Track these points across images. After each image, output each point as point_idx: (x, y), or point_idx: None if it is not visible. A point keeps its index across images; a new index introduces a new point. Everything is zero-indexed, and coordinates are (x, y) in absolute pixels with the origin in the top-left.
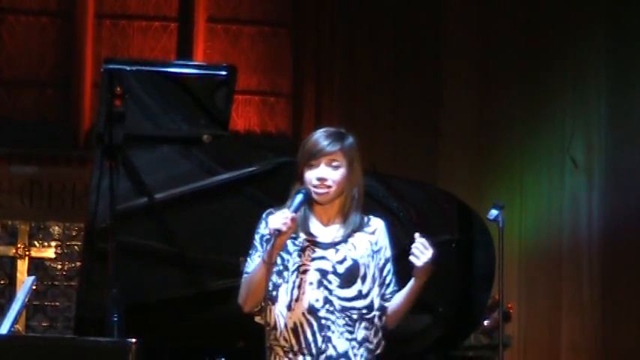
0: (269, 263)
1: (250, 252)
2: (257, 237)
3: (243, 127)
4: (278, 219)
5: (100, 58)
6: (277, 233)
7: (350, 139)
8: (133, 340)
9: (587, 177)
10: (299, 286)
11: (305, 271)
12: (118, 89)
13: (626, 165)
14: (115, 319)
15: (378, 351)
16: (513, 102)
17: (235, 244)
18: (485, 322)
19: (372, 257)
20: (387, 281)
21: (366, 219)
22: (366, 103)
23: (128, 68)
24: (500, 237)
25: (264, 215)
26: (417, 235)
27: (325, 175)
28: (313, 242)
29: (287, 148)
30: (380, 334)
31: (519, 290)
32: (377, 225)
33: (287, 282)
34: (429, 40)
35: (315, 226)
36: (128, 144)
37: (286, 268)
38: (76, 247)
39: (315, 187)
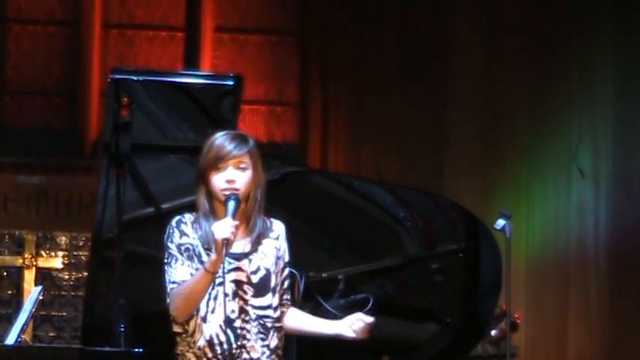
0: (213, 272)
1: (168, 261)
2: (173, 246)
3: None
4: (224, 228)
5: (106, 68)
6: (226, 242)
7: (252, 141)
8: (140, 350)
9: (594, 185)
10: (215, 298)
11: (221, 283)
12: (125, 99)
13: (633, 172)
14: (122, 328)
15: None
16: (520, 110)
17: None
18: (493, 332)
19: (276, 263)
20: (285, 286)
21: (268, 223)
22: (372, 112)
23: (135, 78)
24: (507, 246)
25: (174, 224)
26: (361, 319)
27: (233, 177)
28: (228, 253)
29: (294, 158)
30: (283, 337)
31: (526, 299)
32: (279, 230)
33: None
34: (436, 48)
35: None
36: (135, 153)
37: None
38: (82, 257)
39: (223, 190)
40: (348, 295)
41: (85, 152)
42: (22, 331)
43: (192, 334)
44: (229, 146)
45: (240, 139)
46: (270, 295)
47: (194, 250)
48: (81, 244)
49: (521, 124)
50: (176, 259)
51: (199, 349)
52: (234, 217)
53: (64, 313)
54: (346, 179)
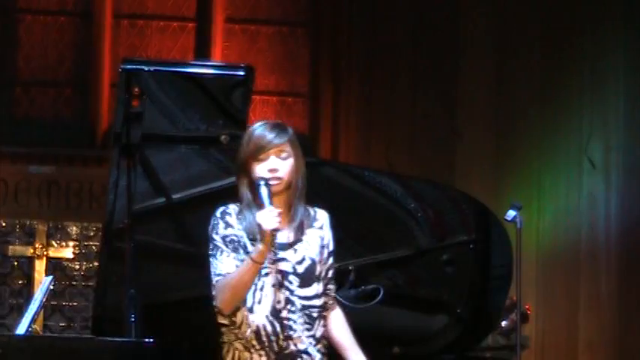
0: (260, 263)
1: (213, 253)
2: (218, 238)
3: None
4: (270, 218)
5: (117, 58)
6: (274, 232)
7: (291, 130)
8: (151, 340)
9: (605, 177)
10: (261, 289)
11: (267, 274)
12: (136, 89)
13: None
14: (133, 319)
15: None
16: (531, 102)
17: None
18: (503, 323)
19: (321, 252)
20: (330, 275)
21: (312, 212)
22: (383, 103)
23: (146, 68)
24: (518, 238)
25: (218, 215)
26: None
27: (276, 166)
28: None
29: (305, 149)
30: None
31: (537, 291)
32: (323, 219)
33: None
34: (447, 39)
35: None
36: (146, 144)
37: None
38: (93, 247)
39: (267, 179)
40: (359, 285)
41: (95, 143)
42: (33, 321)
43: (240, 326)
44: (269, 135)
45: (280, 128)
46: (315, 284)
47: (239, 241)
48: (92, 234)
49: (533, 117)
50: (221, 251)
51: (246, 340)
52: (270, 203)
53: (75, 303)
54: (357, 170)
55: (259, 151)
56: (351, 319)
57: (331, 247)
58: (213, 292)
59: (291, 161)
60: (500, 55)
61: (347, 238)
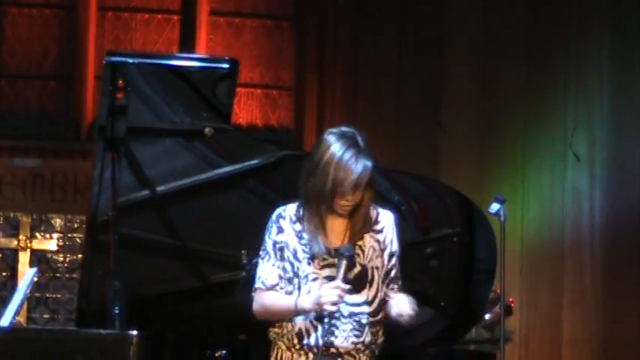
0: (299, 313)
1: (262, 255)
2: (269, 242)
3: (245, 120)
4: (332, 294)
5: (102, 51)
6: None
7: (369, 148)
8: (135, 332)
9: (590, 171)
10: (308, 294)
11: (315, 279)
12: (121, 82)
13: (628, 158)
14: (117, 311)
15: (379, 345)
16: (515, 96)
17: (237, 237)
18: (487, 316)
19: (381, 256)
20: (392, 275)
21: (375, 214)
22: (368, 97)
23: (131, 61)
24: (502, 231)
25: (274, 218)
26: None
27: (352, 200)
28: (324, 248)
29: (289, 142)
30: (381, 332)
31: (521, 284)
32: (386, 221)
33: (298, 289)
34: (432, 33)
35: (325, 232)
36: (130, 136)
37: (296, 275)
38: (77, 240)
39: (339, 207)
40: None
41: (80, 135)
42: (17, 313)
43: (282, 326)
44: (355, 175)
45: (366, 160)
46: (366, 290)
47: (287, 246)
48: (76, 226)
49: (517, 111)
50: (269, 257)
51: (288, 340)
52: (345, 279)
53: (59, 296)
54: None
55: (345, 190)
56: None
57: (394, 248)
58: (252, 294)
59: (362, 189)
60: (485, 49)
61: None
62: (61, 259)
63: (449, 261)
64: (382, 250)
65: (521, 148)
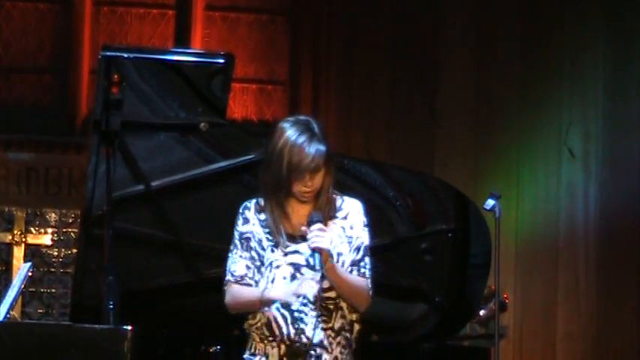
0: (264, 305)
1: (231, 248)
2: (236, 234)
3: (240, 115)
4: (313, 289)
5: (97, 45)
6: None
7: (324, 134)
8: (129, 327)
9: (584, 166)
10: (272, 281)
11: (279, 266)
12: (116, 76)
13: (622, 154)
14: (111, 306)
15: (354, 334)
16: (510, 91)
17: (232, 232)
18: (481, 312)
19: (346, 242)
20: (357, 262)
21: (339, 202)
22: (363, 91)
23: (126, 55)
24: (497, 227)
25: (240, 210)
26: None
27: (311, 187)
28: (287, 236)
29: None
30: (356, 319)
31: (515, 280)
32: (350, 208)
33: (263, 277)
34: (427, 28)
35: (288, 219)
36: (125, 131)
37: (262, 264)
38: (72, 234)
39: (301, 193)
40: None
41: (75, 130)
42: (11, 307)
43: (253, 317)
44: (308, 158)
45: (318, 142)
46: None
47: (254, 236)
48: (70, 220)
49: (512, 106)
50: (236, 249)
51: (260, 330)
52: (322, 269)
53: (53, 290)
54: (336, 158)
55: (299, 174)
56: None
57: (362, 240)
58: (224, 287)
59: (321, 173)
60: (480, 44)
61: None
62: (56, 253)
63: (443, 256)
64: (349, 237)
65: (516, 144)
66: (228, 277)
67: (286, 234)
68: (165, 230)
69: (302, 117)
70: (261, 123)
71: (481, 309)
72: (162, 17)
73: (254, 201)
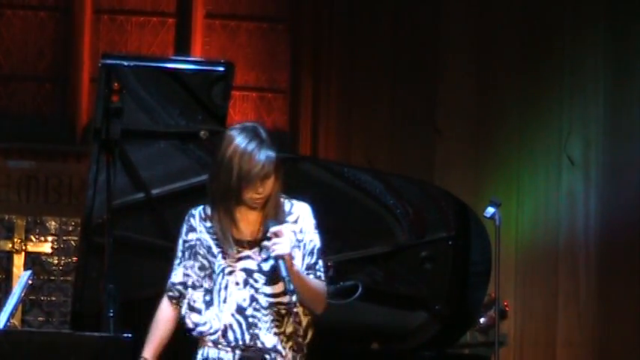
0: None
1: (174, 256)
2: (180, 242)
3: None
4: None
5: (97, 53)
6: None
7: (272, 140)
8: (129, 335)
9: (584, 174)
10: (225, 288)
11: (231, 272)
12: (116, 84)
13: (623, 162)
14: (111, 314)
15: (307, 340)
16: (510, 99)
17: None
18: (482, 320)
19: (298, 247)
20: (310, 267)
21: (288, 205)
22: (363, 100)
23: (126, 63)
24: (497, 235)
25: (186, 217)
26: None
27: (263, 192)
28: (237, 242)
29: (284, 145)
30: (309, 323)
31: (515, 288)
32: (300, 211)
33: (215, 284)
34: (428, 36)
35: (237, 226)
36: (125, 139)
37: (213, 271)
38: (72, 242)
39: (252, 199)
40: (338, 281)
41: (75, 138)
42: (12, 315)
43: (206, 324)
44: (258, 166)
45: (268, 149)
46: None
47: (202, 243)
48: (70, 228)
49: (512, 114)
50: (177, 258)
51: (215, 337)
52: (289, 275)
53: (54, 298)
54: (336, 166)
55: (250, 181)
56: (329, 315)
57: (315, 243)
58: (167, 294)
59: (272, 178)
60: (480, 52)
61: (326, 234)
62: (56, 261)
63: (444, 264)
64: (299, 241)
65: (516, 152)
66: (168, 284)
67: (235, 240)
68: (166, 238)
69: (249, 123)
70: None
71: (481, 317)
72: (162, 25)
73: (200, 208)
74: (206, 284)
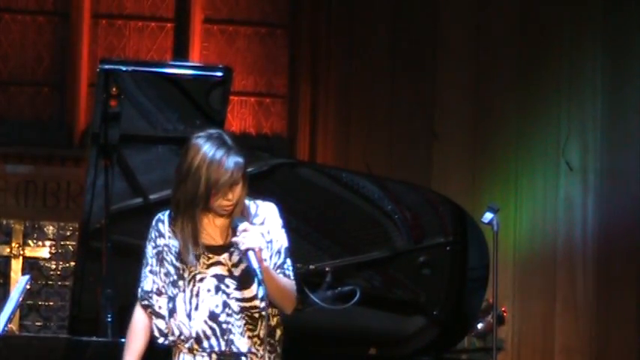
0: None
1: (143, 262)
2: (148, 247)
3: (238, 128)
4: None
5: (96, 58)
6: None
7: (238, 145)
8: None
9: (582, 179)
10: (197, 295)
11: (202, 279)
12: (114, 89)
13: (621, 167)
14: (109, 318)
15: (277, 339)
16: (508, 104)
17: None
18: (479, 325)
19: (267, 247)
20: (284, 265)
21: (254, 207)
22: (361, 105)
23: (124, 68)
24: (495, 240)
25: (153, 223)
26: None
27: (233, 199)
28: (207, 248)
29: (282, 150)
30: (277, 323)
31: (513, 293)
32: (265, 212)
33: (183, 291)
34: (425, 41)
35: (206, 231)
36: (123, 144)
37: (181, 277)
38: (70, 247)
39: (221, 207)
40: (335, 287)
41: (73, 142)
42: (9, 320)
43: (181, 331)
44: (228, 174)
45: (235, 156)
46: (255, 285)
47: (170, 249)
48: (68, 233)
49: (510, 119)
50: (146, 264)
51: (189, 344)
52: (260, 267)
53: (51, 303)
54: (334, 172)
55: (219, 189)
56: (327, 320)
57: (282, 243)
58: (138, 304)
59: (240, 185)
60: (477, 57)
61: (324, 239)
62: (54, 266)
63: (441, 269)
64: (268, 242)
65: (514, 157)
66: (139, 291)
67: (205, 246)
68: None
69: (214, 131)
70: (260, 136)
71: (479, 322)
72: (160, 30)
73: (167, 213)
74: (169, 291)
